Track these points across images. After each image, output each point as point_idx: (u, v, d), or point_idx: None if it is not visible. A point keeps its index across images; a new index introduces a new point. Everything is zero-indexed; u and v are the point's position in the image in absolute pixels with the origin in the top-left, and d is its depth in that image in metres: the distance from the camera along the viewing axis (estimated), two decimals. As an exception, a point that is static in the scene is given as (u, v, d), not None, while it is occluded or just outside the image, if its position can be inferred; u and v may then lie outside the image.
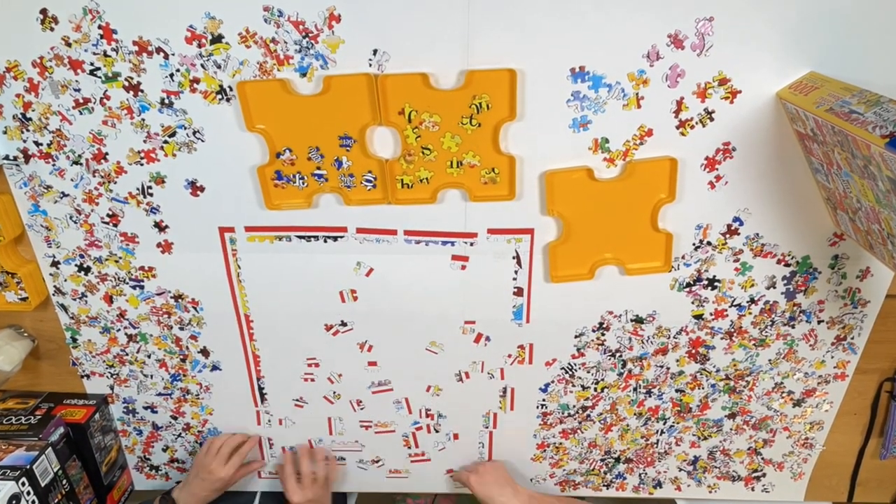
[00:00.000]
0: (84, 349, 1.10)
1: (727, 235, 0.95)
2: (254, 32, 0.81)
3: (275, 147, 0.89)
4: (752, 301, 1.01)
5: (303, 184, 0.92)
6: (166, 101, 0.87)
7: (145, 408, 1.17)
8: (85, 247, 1.00)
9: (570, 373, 1.09)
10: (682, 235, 0.95)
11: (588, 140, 0.87)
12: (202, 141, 0.90)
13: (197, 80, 0.85)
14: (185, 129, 0.89)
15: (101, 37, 0.83)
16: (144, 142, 0.90)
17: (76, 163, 0.92)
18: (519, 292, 1.01)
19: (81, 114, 0.88)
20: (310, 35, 0.81)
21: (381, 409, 1.16)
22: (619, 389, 1.11)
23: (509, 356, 1.08)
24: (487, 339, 1.06)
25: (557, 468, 1.22)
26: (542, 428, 1.16)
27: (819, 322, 1.03)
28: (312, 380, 1.12)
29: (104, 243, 0.99)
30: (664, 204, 0.91)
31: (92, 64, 0.85)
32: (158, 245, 0.99)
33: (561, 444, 1.19)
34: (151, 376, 1.13)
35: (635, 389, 1.11)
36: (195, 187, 0.93)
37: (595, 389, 1.11)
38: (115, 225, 0.97)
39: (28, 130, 0.90)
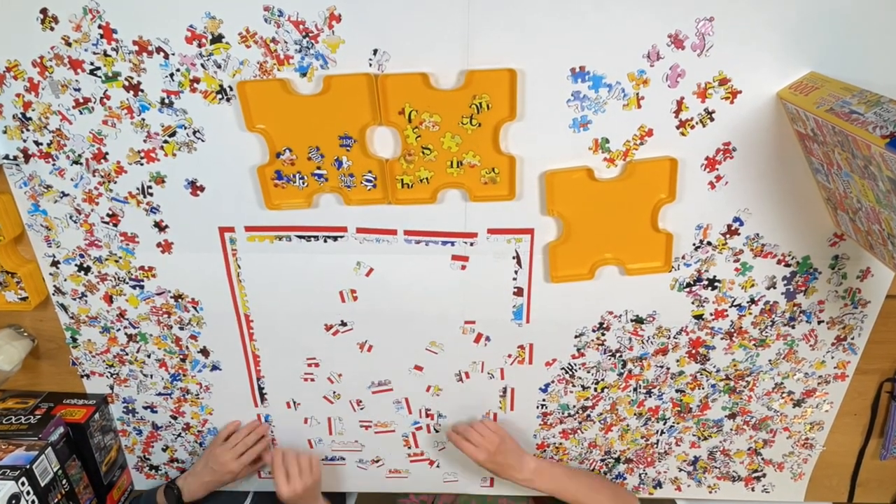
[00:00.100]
0: (84, 349, 1.10)
1: (727, 235, 0.95)
2: (254, 32, 0.81)
3: (275, 147, 0.89)
4: (753, 301, 1.00)
5: (303, 184, 0.92)
6: (166, 100, 0.87)
7: (145, 407, 1.17)
8: (85, 246, 1.00)
9: (570, 373, 1.09)
10: (682, 235, 0.95)
11: (588, 140, 0.87)
12: (202, 141, 0.90)
13: (197, 80, 0.85)
14: (185, 128, 0.89)
15: (102, 36, 0.83)
16: (144, 141, 0.90)
17: (76, 162, 0.92)
18: (519, 292, 1.01)
19: (81, 113, 0.88)
20: (310, 35, 0.81)
21: (381, 409, 1.16)
22: (619, 389, 1.11)
23: (509, 356, 1.08)
24: (487, 339, 1.06)
25: (557, 468, 1.22)
26: (542, 428, 1.16)
27: (819, 322, 1.03)
28: (312, 380, 1.12)
29: (104, 243, 0.99)
30: (664, 204, 0.91)
31: (92, 63, 0.84)
32: (158, 245, 0.99)
33: (561, 444, 1.19)
34: (151, 376, 1.13)
35: (635, 389, 1.11)
36: (195, 187, 0.93)
37: (595, 389, 1.11)
38: (115, 225, 0.97)
39: (28, 130, 0.90)
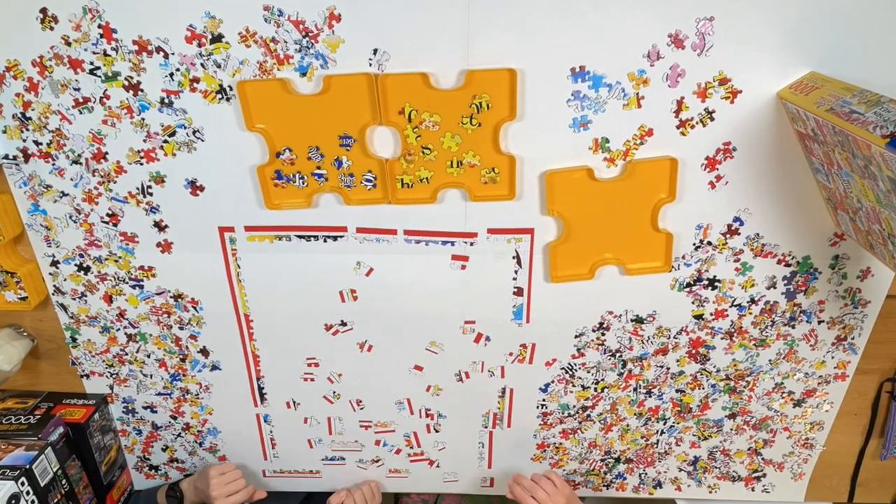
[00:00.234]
0: (83, 349, 1.10)
1: (727, 235, 0.94)
2: (254, 32, 0.81)
3: (275, 147, 0.89)
4: (753, 301, 1.00)
5: (303, 183, 0.92)
6: (166, 100, 0.87)
7: (145, 407, 1.17)
8: (84, 246, 1.00)
9: (571, 373, 1.09)
10: (682, 235, 0.95)
11: (588, 140, 0.87)
12: (202, 140, 0.90)
13: (197, 80, 0.85)
14: (185, 128, 0.89)
15: (101, 36, 0.83)
16: (144, 141, 0.90)
17: (76, 162, 0.92)
18: (519, 292, 1.01)
19: (81, 113, 0.88)
20: (310, 35, 0.81)
21: (381, 409, 1.16)
22: (619, 389, 1.11)
23: (510, 354, 1.08)
24: (487, 338, 1.06)
25: (557, 468, 1.22)
26: (542, 428, 1.16)
27: (819, 322, 1.03)
28: (312, 380, 1.12)
29: (104, 243, 0.99)
30: (664, 204, 0.91)
31: (92, 63, 0.84)
32: (158, 245, 0.99)
33: (561, 444, 1.19)
34: (151, 376, 1.13)
35: (635, 389, 1.11)
36: (195, 187, 0.93)
37: (595, 389, 1.11)
38: (115, 224, 0.97)
39: (28, 130, 0.90)
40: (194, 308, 1.05)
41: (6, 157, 0.92)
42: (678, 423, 1.16)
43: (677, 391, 1.11)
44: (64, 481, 1.04)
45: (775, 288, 0.99)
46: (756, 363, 1.07)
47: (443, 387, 1.12)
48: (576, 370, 1.09)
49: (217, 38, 0.82)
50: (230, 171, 0.92)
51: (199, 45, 0.82)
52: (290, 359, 1.10)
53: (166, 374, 1.12)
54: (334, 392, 1.14)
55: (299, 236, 0.97)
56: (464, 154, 0.89)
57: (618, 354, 1.07)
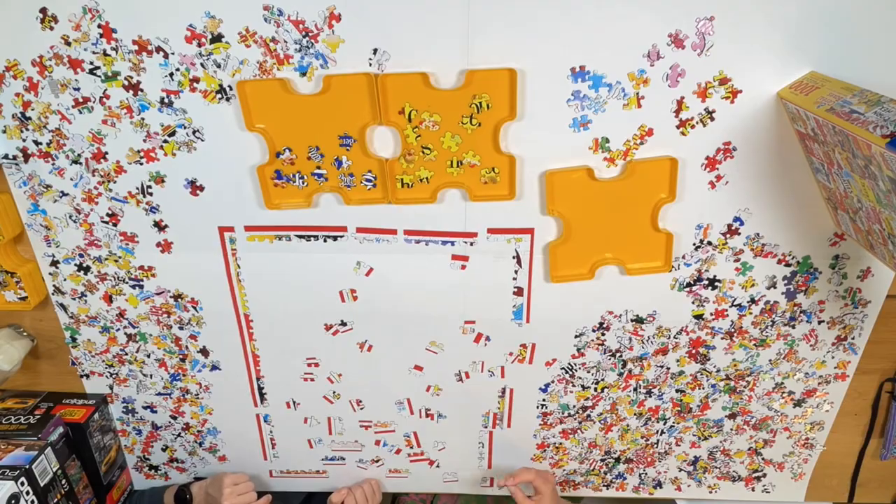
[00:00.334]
0: (83, 349, 1.10)
1: (728, 235, 0.94)
2: (254, 32, 0.81)
3: (275, 146, 0.89)
4: (753, 301, 1.00)
5: (303, 183, 0.92)
6: (166, 100, 0.87)
7: (145, 407, 1.17)
8: (84, 246, 1.00)
9: (571, 373, 1.09)
10: (682, 235, 0.95)
11: (588, 140, 0.87)
12: (202, 140, 0.90)
13: (197, 80, 0.85)
14: (185, 128, 0.89)
15: (101, 36, 0.82)
16: (144, 141, 0.90)
17: (76, 162, 0.92)
18: (519, 292, 1.01)
19: (81, 113, 0.88)
20: (310, 34, 0.81)
21: (381, 409, 1.15)
22: (619, 389, 1.11)
23: (510, 354, 1.08)
24: (487, 338, 1.06)
25: (557, 468, 1.22)
26: (542, 428, 1.16)
27: (819, 322, 1.03)
28: (312, 380, 1.12)
29: (104, 243, 0.99)
30: (664, 204, 0.91)
31: (91, 63, 0.84)
32: (158, 244, 0.99)
33: (561, 444, 1.19)
34: (151, 376, 1.13)
35: (635, 389, 1.11)
36: (195, 187, 0.93)
37: (595, 389, 1.11)
38: (115, 224, 0.97)
39: (27, 129, 0.90)
40: (194, 308, 1.05)
41: (6, 156, 0.92)
42: (678, 423, 1.16)
43: (677, 391, 1.11)
44: (64, 481, 1.04)
45: (775, 288, 0.99)
46: (756, 363, 1.07)
47: (443, 387, 1.12)
48: (576, 370, 1.09)
49: (217, 38, 0.82)
50: (230, 171, 0.92)
51: (199, 45, 0.82)
52: (290, 359, 1.10)
53: (166, 374, 1.12)
54: (334, 392, 1.14)
55: (299, 236, 0.97)
56: (464, 154, 0.89)
57: (618, 354, 1.07)
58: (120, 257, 1.00)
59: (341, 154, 0.90)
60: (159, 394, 1.15)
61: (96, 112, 0.88)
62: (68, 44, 0.83)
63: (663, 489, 1.26)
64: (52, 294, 1.05)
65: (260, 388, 1.14)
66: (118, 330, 1.08)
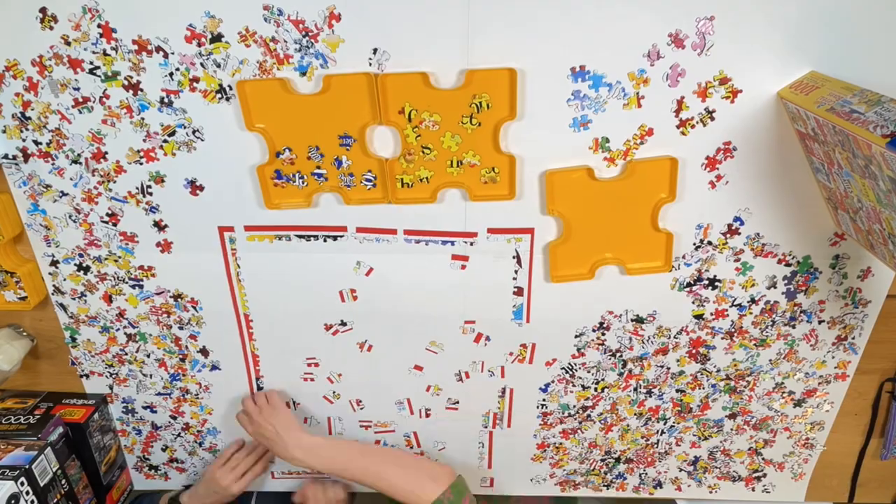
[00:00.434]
0: (83, 349, 1.10)
1: (728, 235, 0.94)
2: (253, 31, 0.81)
3: (274, 146, 0.89)
4: (753, 301, 1.00)
5: (302, 183, 0.92)
6: (166, 100, 0.86)
7: (144, 407, 1.17)
8: (84, 246, 1.00)
9: (571, 373, 1.09)
10: (682, 235, 0.95)
11: (588, 139, 0.87)
12: (202, 140, 0.90)
13: (196, 80, 0.85)
14: (185, 128, 0.89)
15: (101, 35, 0.82)
16: (144, 141, 0.90)
17: (75, 162, 0.92)
18: (519, 292, 1.01)
19: (81, 113, 0.88)
20: (310, 34, 0.81)
21: (381, 409, 1.15)
22: (619, 389, 1.11)
23: (510, 354, 1.07)
24: (487, 338, 1.06)
25: (557, 468, 1.22)
26: (542, 428, 1.16)
27: (820, 322, 1.03)
28: (312, 380, 1.12)
29: (103, 242, 0.99)
30: (664, 203, 0.91)
31: (91, 63, 0.84)
32: (158, 244, 0.99)
33: (561, 444, 1.19)
34: (151, 376, 1.13)
35: (636, 389, 1.11)
36: (195, 186, 0.93)
37: (595, 389, 1.11)
38: (115, 224, 0.97)
39: (27, 129, 0.90)
40: (194, 308, 1.05)
41: (6, 156, 0.92)
42: (678, 423, 1.16)
43: (677, 391, 1.11)
44: (63, 481, 1.04)
45: (775, 288, 0.99)
46: (756, 363, 1.07)
47: (443, 387, 1.12)
48: (576, 370, 1.09)
49: (217, 38, 0.82)
50: (230, 171, 0.92)
51: (199, 45, 0.82)
52: (290, 359, 1.10)
53: (166, 374, 1.12)
54: (334, 392, 1.14)
55: (299, 236, 0.97)
56: (464, 154, 0.89)
57: (618, 354, 1.07)
58: (120, 257, 1.00)
59: (341, 154, 0.90)
60: (159, 394, 1.15)
61: (96, 112, 0.88)
62: (68, 44, 0.83)
63: (663, 489, 1.26)
64: (52, 294, 1.05)
65: (260, 388, 1.13)
66: (118, 330, 1.08)
